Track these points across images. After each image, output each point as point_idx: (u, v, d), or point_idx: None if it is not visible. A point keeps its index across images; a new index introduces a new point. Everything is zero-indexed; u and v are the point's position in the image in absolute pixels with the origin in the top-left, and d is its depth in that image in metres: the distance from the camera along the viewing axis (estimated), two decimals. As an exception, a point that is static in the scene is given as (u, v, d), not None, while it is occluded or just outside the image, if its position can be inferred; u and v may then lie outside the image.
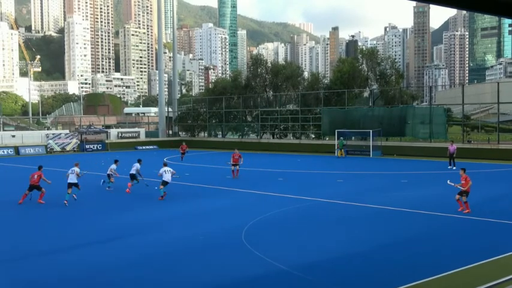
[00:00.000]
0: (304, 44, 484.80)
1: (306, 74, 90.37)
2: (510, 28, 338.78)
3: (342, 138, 54.86)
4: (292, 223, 20.16)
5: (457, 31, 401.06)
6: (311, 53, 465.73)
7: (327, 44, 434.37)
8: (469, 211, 21.31)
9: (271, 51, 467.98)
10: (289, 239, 17.49)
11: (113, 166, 30.22)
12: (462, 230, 18.57)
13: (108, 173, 30.23)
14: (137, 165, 29.09)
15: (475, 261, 14.21)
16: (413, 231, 18.44)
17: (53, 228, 19.57)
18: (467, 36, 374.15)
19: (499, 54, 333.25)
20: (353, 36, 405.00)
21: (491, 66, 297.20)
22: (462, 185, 21.89)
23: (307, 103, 69.97)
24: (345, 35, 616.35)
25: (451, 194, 25.83)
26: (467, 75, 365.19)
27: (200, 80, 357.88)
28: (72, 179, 24.86)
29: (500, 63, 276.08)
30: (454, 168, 39.90)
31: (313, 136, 69.41)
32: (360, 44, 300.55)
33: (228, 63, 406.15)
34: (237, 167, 35.35)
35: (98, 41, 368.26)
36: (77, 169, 25.28)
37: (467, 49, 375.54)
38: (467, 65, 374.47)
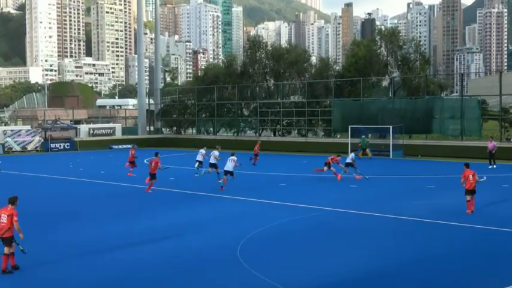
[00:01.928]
0: (312, 24, 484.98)
1: (313, 60, 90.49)
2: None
3: (363, 136, 54.74)
4: (295, 237, 20.17)
5: (493, 8, 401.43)
6: (320, 34, 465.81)
7: (339, 24, 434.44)
8: (469, 212, 23.31)
9: (273, 31, 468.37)
10: (291, 255, 17.49)
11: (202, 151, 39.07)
12: (500, 246, 18.56)
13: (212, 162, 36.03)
14: (216, 153, 35.31)
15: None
16: (441, 246, 18.43)
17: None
18: (506, 13, 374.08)
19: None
20: (370, 14, 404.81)
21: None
22: (462, 183, 24.06)
23: (315, 94, 69.94)
24: (360, 12, 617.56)
25: (487, 202, 25.82)
26: (505, 60, 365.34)
27: (187, 67, 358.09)
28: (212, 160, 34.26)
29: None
30: (495, 167, 40.70)
31: (322, 133, 69.42)
32: (378, 23, 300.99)
33: (220, 46, 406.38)
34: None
35: (65, 20, 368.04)
36: (216, 152, 34.50)
37: (505, 29, 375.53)
38: (505, 49, 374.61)
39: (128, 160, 40.58)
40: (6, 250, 15.61)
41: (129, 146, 71.80)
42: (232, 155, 32.18)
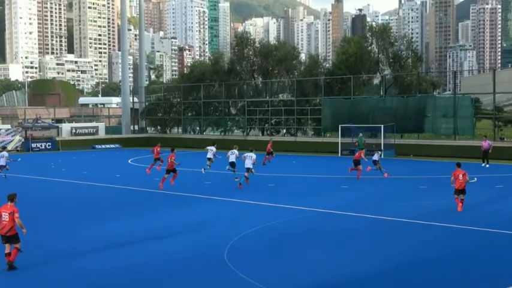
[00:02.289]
0: (301, 20, 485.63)
1: (302, 57, 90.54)
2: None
3: (361, 135, 54.85)
4: (283, 239, 20.19)
5: (487, 4, 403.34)
6: (309, 31, 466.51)
7: (329, 20, 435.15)
8: (459, 209, 24.35)
9: (261, 28, 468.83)
10: (281, 258, 17.52)
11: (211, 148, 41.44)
12: (494, 248, 18.67)
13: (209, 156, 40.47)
14: (236, 152, 36.13)
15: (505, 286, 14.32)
16: (435, 249, 18.51)
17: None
18: (500, 10, 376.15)
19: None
20: (361, 10, 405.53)
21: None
22: (452, 182, 25.08)
23: (305, 92, 70.06)
24: (350, 8, 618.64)
25: (481, 202, 25.99)
26: (499, 57, 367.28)
27: (173, 64, 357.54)
28: (232, 159, 35.16)
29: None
30: (488, 166, 41.22)
31: (311, 133, 69.55)
32: (369, 19, 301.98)
33: (207, 43, 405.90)
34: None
35: (46, 15, 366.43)
36: (236, 152, 35.44)
37: (499, 26, 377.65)
38: (499, 46, 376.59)
39: (154, 157, 41.63)
40: (18, 246, 16.19)
41: (112, 145, 71.99)
42: (251, 151, 34.67)
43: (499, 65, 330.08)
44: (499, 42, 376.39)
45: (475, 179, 26.61)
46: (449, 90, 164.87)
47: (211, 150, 41.23)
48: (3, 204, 16.50)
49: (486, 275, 15.53)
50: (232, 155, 35.88)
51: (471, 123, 55.19)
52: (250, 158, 33.39)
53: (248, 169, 33.28)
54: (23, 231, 16.20)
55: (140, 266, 16.75)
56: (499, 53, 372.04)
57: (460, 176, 24.49)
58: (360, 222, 22.92)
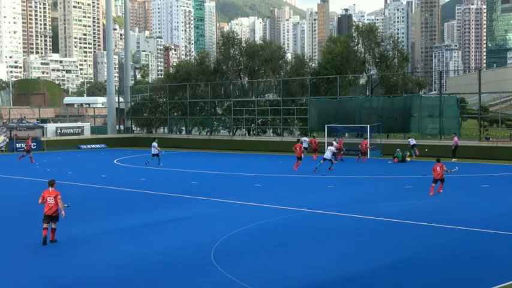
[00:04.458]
0: (287, 20, 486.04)
1: (289, 56, 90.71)
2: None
3: (398, 149, 53.83)
4: (270, 239, 20.22)
5: (472, 4, 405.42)
6: (295, 31, 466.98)
7: (315, 20, 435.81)
8: (431, 194, 28.29)
9: (247, 27, 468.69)
10: (268, 258, 17.56)
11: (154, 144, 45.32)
12: (478, 247, 18.77)
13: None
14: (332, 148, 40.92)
15: (490, 286, 14.40)
16: (419, 248, 18.61)
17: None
18: (485, 10, 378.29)
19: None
20: (346, 10, 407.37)
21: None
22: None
23: (291, 92, 70.13)
24: (336, 8, 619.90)
25: (467, 202, 26.17)
26: (484, 57, 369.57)
27: (159, 63, 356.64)
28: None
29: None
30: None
31: (298, 132, 69.62)
32: (355, 19, 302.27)
33: (193, 42, 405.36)
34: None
35: (31, 14, 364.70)
36: (332, 148, 40.64)
37: (484, 26, 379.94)
38: (484, 46, 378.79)
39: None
40: (53, 225, 19.13)
41: (98, 146, 71.77)
42: (331, 144, 41.24)
43: (485, 65, 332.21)
44: (485, 42, 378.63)
45: (456, 168, 30.27)
46: (435, 90, 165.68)
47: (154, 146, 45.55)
48: (46, 189, 19.34)
49: (472, 274, 15.63)
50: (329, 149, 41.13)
51: (457, 123, 55.45)
52: (329, 151, 40.08)
53: (325, 159, 39.73)
54: (62, 212, 19.05)
55: (125, 265, 16.74)
56: (485, 53, 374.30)
57: (438, 168, 28.67)
58: (346, 222, 22.98)
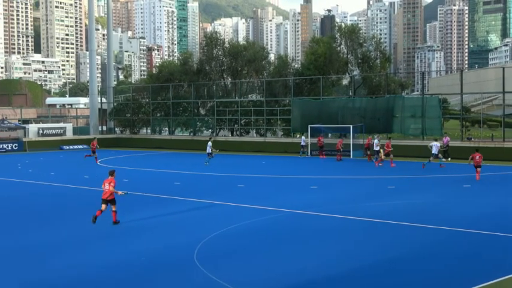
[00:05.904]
0: (270, 20, 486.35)
1: (272, 57, 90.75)
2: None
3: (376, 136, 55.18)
4: (253, 240, 20.21)
5: (454, 5, 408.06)
6: (278, 31, 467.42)
7: (298, 20, 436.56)
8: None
9: (230, 28, 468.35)
10: (251, 259, 17.54)
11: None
12: (461, 246, 18.84)
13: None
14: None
15: (473, 285, 14.48)
16: (402, 248, 18.65)
17: None
18: (467, 11, 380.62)
19: (505, 33, 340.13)
20: (329, 10, 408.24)
21: (495, 48, 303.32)
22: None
23: (274, 92, 70.23)
24: (319, 9, 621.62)
25: (449, 202, 26.31)
26: (466, 58, 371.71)
27: (141, 64, 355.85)
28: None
29: (506, 45, 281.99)
30: (447, 159, 45.42)
31: (281, 133, 69.68)
32: (337, 20, 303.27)
33: (176, 43, 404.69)
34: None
35: (12, 14, 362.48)
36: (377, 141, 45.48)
37: (466, 27, 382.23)
38: (466, 47, 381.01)
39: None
40: (113, 208, 22.35)
41: (80, 146, 71.39)
42: (436, 140, 44.00)
43: (466, 66, 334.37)
44: (466, 43, 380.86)
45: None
46: (418, 91, 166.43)
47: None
48: (106, 178, 22.50)
49: (456, 274, 15.69)
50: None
51: (439, 123, 55.72)
52: (436, 147, 42.33)
53: (435, 155, 42.09)
54: (118, 193, 22.37)
55: (108, 266, 16.66)
56: (466, 54, 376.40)
57: (477, 157, 35.01)
58: (329, 222, 23.00)
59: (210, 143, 47.60)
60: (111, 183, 22.33)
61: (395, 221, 22.67)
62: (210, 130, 73.59)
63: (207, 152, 47.25)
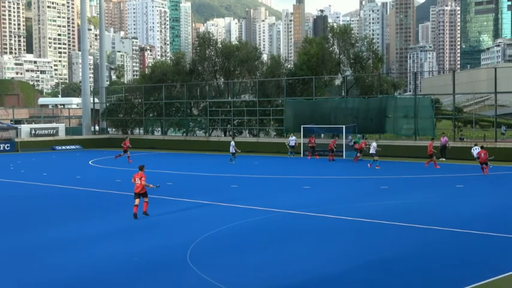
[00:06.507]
0: (263, 20, 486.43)
1: (264, 57, 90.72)
2: (509, 3, 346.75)
3: (359, 135, 55.64)
4: (248, 240, 20.23)
5: (446, 6, 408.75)
6: (271, 32, 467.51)
7: (291, 21, 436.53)
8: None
9: (222, 28, 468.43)
10: (244, 259, 17.53)
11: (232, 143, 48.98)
12: (454, 246, 18.88)
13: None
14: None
15: (466, 285, 14.51)
16: (395, 248, 18.68)
17: None
18: (459, 12, 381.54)
19: (497, 34, 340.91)
20: (322, 11, 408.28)
21: (488, 49, 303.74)
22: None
23: (267, 93, 70.21)
24: (312, 9, 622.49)
25: (442, 202, 26.37)
26: (458, 59, 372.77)
27: (134, 64, 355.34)
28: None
29: (498, 45, 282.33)
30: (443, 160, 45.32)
31: (274, 133, 69.66)
32: (330, 20, 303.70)
33: (168, 43, 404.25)
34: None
35: (4, 14, 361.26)
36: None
37: (458, 28, 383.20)
38: (458, 47, 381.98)
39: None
40: (145, 199, 23.99)
41: (72, 146, 71.24)
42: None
43: (459, 66, 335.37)
44: (459, 43, 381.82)
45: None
46: (410, 91, 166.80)
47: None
48: (136, 172, 23.97)
49: (448, 274, 15.72)
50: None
51: (431, 123, 55.75)
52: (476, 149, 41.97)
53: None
54: (150, 186, 23.91)
55: (100, 266, 16.64)
56: (459, 54, 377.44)
57: (482, 154, 36.91)
58: (322, 222, 23.01)
59: (232, 143, 49.52)
60: (142, 177, 23.70)
61: (388, 221, 22.69)
62: (203, 130, 73.49)
63: (231, 152, 49.05)
